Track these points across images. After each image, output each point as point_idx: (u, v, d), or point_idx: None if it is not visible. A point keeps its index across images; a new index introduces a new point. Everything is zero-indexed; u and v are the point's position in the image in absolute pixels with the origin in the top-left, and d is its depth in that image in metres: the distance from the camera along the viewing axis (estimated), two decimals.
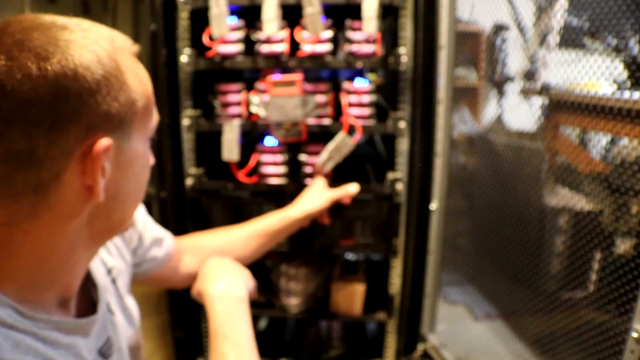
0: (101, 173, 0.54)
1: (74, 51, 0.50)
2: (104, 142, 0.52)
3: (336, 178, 1.36)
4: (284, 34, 1.26)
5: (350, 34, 1.25)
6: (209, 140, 1.36)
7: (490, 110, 1.20)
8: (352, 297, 1.44)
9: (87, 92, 0.50)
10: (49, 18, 0.53)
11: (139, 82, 0.57)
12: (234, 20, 1.27)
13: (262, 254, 1.16)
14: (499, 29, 1.12)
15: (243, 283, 0.89)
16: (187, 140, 1.35)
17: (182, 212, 1.40)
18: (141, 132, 0.59)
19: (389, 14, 1.55)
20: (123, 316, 0.79)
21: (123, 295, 0.81)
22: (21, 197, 0.51)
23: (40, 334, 0.55)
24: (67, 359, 0.58)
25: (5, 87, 0.47)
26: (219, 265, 0.95)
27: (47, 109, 0.48)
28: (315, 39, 1.23)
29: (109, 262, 0.80)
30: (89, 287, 0.71)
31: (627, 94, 0.78)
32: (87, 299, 0.70)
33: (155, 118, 0.62)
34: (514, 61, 1.08)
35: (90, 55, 0.51)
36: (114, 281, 0.79)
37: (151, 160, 0.65)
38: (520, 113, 1.03)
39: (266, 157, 1.34)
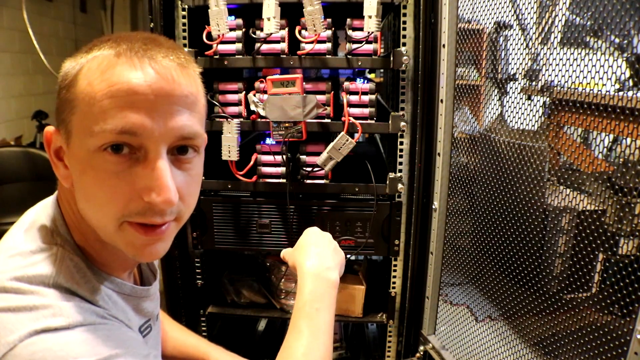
0: (56, 157, 0.62)
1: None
2: (48, 128, 0.62)
3: (336, 178, 1.36)
4: (284, 32, 1.25)
5: (351, 33, 1.24)
6: (207, 140, 1.35)
7: (491, 109, 1.19)
8: (352, 297, 1.43)
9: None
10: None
11: (87, 84, 0.56)
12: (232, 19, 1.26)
13: None
14: (501, 27, 1.11)
15: (338, 266, 0.87)
16: None
17: None
18: (82, 132, 0.56)
19: (390, 13, 1.54)
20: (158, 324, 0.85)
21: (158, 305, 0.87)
22: None
23: (101, 291, 0.62)
24: (122, 319, 0.64)
25: None
26: (319, 240, 0.90)
27: None
28: (315, 37, 1.22)
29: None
30: (150, 277, 0.82)
31: (630, 93, 0.77)
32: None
33: (105, 126, 0.55)
34: (516, 60, 1.07)
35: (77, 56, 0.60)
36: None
37: (149, 182, 0.57)
38: (521, 112, 1.02)
39: (265, 157, 1.33)
